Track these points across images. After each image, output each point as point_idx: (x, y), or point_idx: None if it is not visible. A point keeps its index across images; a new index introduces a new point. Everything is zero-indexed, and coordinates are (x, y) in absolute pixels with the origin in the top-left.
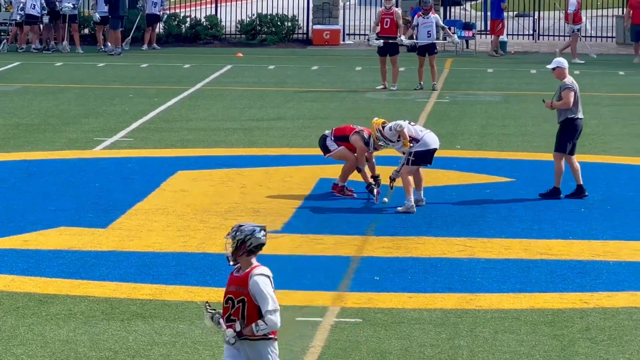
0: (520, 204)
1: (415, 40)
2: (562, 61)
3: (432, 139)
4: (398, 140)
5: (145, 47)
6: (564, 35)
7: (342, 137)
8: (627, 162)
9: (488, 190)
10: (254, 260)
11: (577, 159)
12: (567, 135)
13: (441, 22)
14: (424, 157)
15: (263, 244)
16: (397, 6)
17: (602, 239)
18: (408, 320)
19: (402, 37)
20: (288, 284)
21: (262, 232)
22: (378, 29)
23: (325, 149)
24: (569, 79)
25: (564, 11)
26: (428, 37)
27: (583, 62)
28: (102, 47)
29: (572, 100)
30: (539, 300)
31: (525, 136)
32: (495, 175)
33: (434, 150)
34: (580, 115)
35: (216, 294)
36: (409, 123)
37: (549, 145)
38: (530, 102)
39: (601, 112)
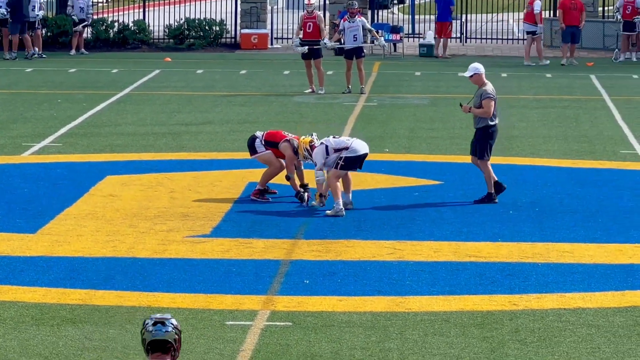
0: (449, 206)
1: (338, 44)
2: (478, 67)
3: (361, 145)
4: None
5: (73, 52)
6: (491, 38)
7: (271, 143)
8: (555, 164)
9: (417, 193)
10: None
11: (505, 161)
12: (486, 142)
13: (368, 25)
14: (354, 163)
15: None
16: (324, 10)
17: (531, 241)
18: (338, 324)
19: (326, 41)
20: (218, 288)
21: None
22: (301, 33)
23: (253, 150)
24: (489, 87)
25: (524, 12)
26: (354, 40)
27: (548, 62)
28: (29, 52)
29: (492, 110)
30: (468, 303)
31: (453, 139)
32: (424, 178)
33: (365, 155)
34: (497, 121)
35: (146, 298)
36: (333, 137)
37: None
38: (457, 105)
39: (528, 115)
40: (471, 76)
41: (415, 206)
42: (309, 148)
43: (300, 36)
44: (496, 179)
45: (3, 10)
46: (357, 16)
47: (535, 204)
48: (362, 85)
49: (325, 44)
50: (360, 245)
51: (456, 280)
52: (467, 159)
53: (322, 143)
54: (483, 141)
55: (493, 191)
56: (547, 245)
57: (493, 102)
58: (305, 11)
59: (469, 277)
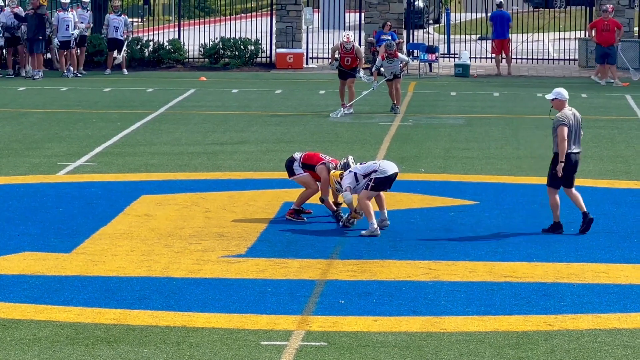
0: (484, 226)
1: (372, 79)
2: (561, 92)
3: (389, 166)
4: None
5: (108, 71)
6: (528, 58)
7: (309, 165)
8: (591, 185)
9: (452, 213)
10: None
11: (540, 181)
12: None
13: (406, 58)
14: (384, 184)
15: None
16: (359, 29)
17: (566, 262)
18: (373, 344)
19: (362, 74)
20: (252, 307)
21: None
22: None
23: (291, 172)
24: (562, 112)
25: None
26: (390, 74)
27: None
28: (65, 72)
29: (564, 134)
30: (503, 323)
31: (488, 159)
32: (459, 198)
33: (394, 175)
34: (574, 149)
35: (181, 318)
36: (360, 164)
37: (512, 168)
38: (493, 125)
39: None
40: (552, 99)
41: (451, 226)
42: (339, 180)
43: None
44: (559, 219)
45: (57, 40)
46: (394, 57)
47: (571, 224)
48: (397, 105)
49: (360, 77)
50: (395, 265)
51: (491, 300)
52: (503, 179)
53: (350, 171)
54: (553, 168)
55: (559, 220)
56: (582, 265)
57: (566, 128)
58: (342, 46)
59: (504, 298)
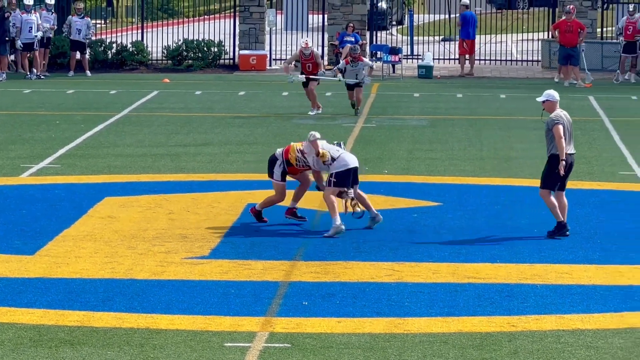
0: (447, 228)
1: (333, 75)
2: (553, 94)
3: (349, 158)
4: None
5: (71, 73)
6: (491, 60)
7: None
8: None
9: (415, 214)
10: None
11: (503, 182)
12: (553, 171)
13: (370, 63)
14: (345, 178)
15: None
16: (322, 31)
17: (530, 262)
18: (337, 345)
19: (324, 70)
20: (216, 309)
21: None
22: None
23: (270, 172)
24: (554, 113)
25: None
26: (356, 78)
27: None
28: (28, 73)
29: (561, 132)
30: (467, 324)
31: (452, 160)
32: (423, 200)
33: (355, 169)
34: (569, 150)
35: (145, 320)
36: (326, 142)
37: (476, 170)
38: (456, 127)
39: (527, 136)
40: (544, 102)
41: (414, 227)
42: (301, 148)
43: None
44: (562, 219)
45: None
46: (359, 60)
47: (534, 225)
48: (357, 108)
49: (323, 72)
50: (358, 266)
51: (455, 301)
52: (466, 180)
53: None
54: (550, 169)
55: (563, 220)
56: (545, 266)
57: (561, 127)
58: (301, 53)
59: (467, 299)
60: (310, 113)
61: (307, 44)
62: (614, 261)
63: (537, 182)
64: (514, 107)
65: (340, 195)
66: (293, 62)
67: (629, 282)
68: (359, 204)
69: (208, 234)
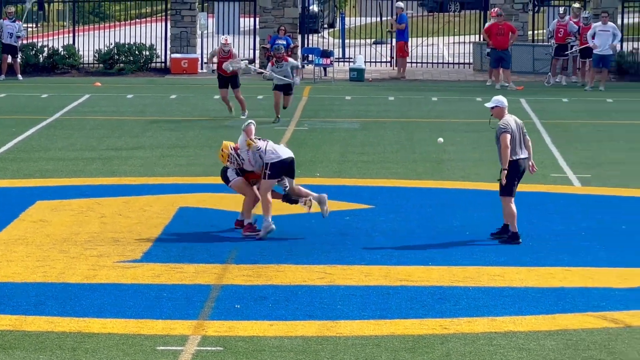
0: (379, 230)
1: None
2: (502, 100)
3: (284, 150)
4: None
5: (2, 77)
6: (423, 62)
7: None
8: (485, 188)
9: (347, 217)
10: None
11: (435, 185)
12: (510, 177)
13: (296, 63)
14: (280, 169)
15: None
16: (254, 34)
17: (462, 265)
18: (269, 348)
19: (240, 62)
20: (148, 313)
21: None
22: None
23: (226, 179)
24: (503, 119)
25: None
26: (285, 77)
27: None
28: None
29: (507, 142)
30: (399, 327)
31: (383, 163)
32: (355, 202)
33: (291, 160)
34: (520, 155)
35: (77, 324)
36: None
37: (407, 172)
38: (388, 129)
39: (459, 139)
40: (492, 108)
41: (346, 230)
42: (234, 145)
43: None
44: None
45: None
46: (284, 60)
47: (466, 227)
48: (278, 117)
49: (228, 66)
50: (291, 269)
51: (387, 304)
52: (398, 182)
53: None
54: (507, 176)
55: (517, 230)
56: (478, 268)
57: (509, 135)
58: (220, 50)
59: (400, 301)
60: (242, 117)
61: (226, 40)
62: (545, 263)
63: (468, 185)
64: (446, 110)
65: (289, 199)
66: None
67: (560, 284)
68: (312, 202)
69: (140, 237)
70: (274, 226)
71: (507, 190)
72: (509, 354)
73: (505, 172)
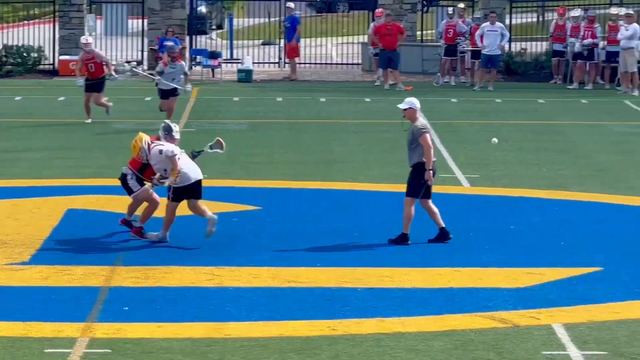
0: (268, 232)
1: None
2: (415, 102)
3: (192, 171)
4: (165, 170)
5: None
6: (311, 63)
7: (140, 170)
8: (374, 189)
9: (235, 219)
10: None
11: (324, 186)
12: (420, 179)
13: (186, 69)
14: (186, 193)
15: None
16: (142, 36)
17: (350, 266)
18: (157, 350)
19: (112, 74)
20: (36, 315)
21: None
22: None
23: (128, 189)
24: (420, 122)
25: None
26: (172, 80)
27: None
28: None
29: (430, 143)
30: (287, 328)
31: (272, 164)
32: (243, 204)
33: (198, 182)
34: (433, 158)
35: None
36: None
37: (296, 174)
38: (276, 130)
39: (347, 139)
40: (406, 109)
41: (235, 232)
42: (150, 143)
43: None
44: (443, 225)
45: None
46: (177, 60)
47: (355, 228)
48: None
49: (115, 78)
50: (179, 271)
51: (275, 305)
52: (286, 184)
53: (158, 145)
54: (416, 178)
55: (407, 232)
56: (366, 270)
57: (429, 135)
58: (83, 52)
59: (288, 303)
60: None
61: (87, 40)
62: (434, 264)
63: (357, 186)
64: (334, 111)
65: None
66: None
67: (448, 285)
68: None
69: (28, 239)
70: (168, 239)
71: (416, 192)
72: (397, 355)
73: (432, 172)
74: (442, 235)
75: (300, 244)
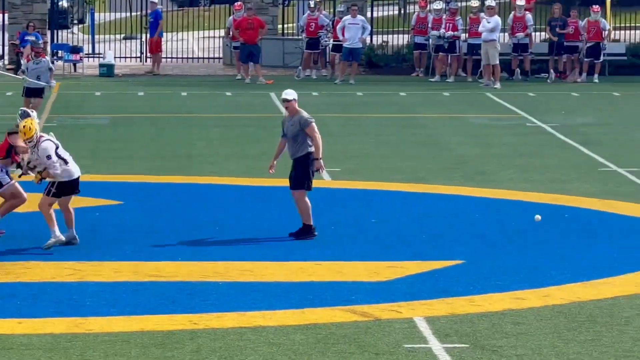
0: (129, 226)
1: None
2: (295, 94)
3: (74, 168)
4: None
5: None
6: (173, 57)
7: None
8: (236, 183)
9: (97, 213)
10: None
11: (184, 180)
12: (307, 170)
13: (51, 66)
14: (67, 188)
15: None
16: (2, 30)
17: (212, 260)
18: (17, 346)
19: None
20: None
21: None
22: None
23: None
24: (305, 113)
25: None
26: (37, 79)
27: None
28: None
29: (318, 132)
30: (149, 323)
31: (133, 159)
32: (104, 199)
33: (78, 177)
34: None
35: None
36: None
37: (158, 168)
38: (138, 125)
39: (209, 133)
40: (290, 101)
41: (96, 226)
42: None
43: None
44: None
45: None
46: (41, 57)
47: (216, 223)
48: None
49: None
50: (39, 266)
51: (136, 300)
52: (147, 178)
53: (49, 140)
54: (304, 169)
55: (312, 223)
56: (228, 264)
57: (315, 124)
58: None
59: (149, 297)
60: None
61: None
62: (295, 258)
63: (218, 180)
64: (196, 105)
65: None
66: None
67: (310, 279)
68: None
69: None
70: (63, 237)
71: (306, 184)
72: (258, 349)
73: (321, 161)
74: (307, 231)
75: (162, 239)
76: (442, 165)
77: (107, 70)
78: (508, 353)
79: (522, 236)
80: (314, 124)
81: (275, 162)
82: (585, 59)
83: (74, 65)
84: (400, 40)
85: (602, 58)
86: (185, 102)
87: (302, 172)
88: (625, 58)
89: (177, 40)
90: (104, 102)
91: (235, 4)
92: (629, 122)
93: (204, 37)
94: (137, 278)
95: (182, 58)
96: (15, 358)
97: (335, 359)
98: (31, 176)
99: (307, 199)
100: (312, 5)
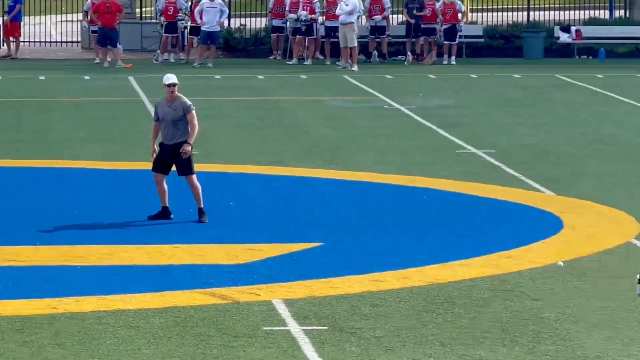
0: None
1: None
2: (175, 78)
3: None
4: None
5: None
6: (31, 41)
7: None
8: (94, 167)
9: None
10: None
11: (41, 164)
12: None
13: None
14: None
15: None
16: None
17: (71, 244)
18: None
19: None
20: None
21: None
22: None
23: None
24: (185, 98)
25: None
26: None
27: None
28: None
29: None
30: (7, 308)
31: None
32: None
33: None
34: None
35: None
36: None
37: (14, 152)
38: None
39: (67, 118)
40: (175, 84)
41: None
42: None
43: None
44: (167, 204)
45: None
46: None
47: (75, 206)
48: None
49: None
50: None
51: None
52: (3, 162)
53: None
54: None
55: (167, 204)
56: (87, 247)
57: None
58: None
59: (6, 282)
60: None
61: None
62: (154, 241)
63: (76, 164)
64: (53, 89)
65: None
66: None
67: (169, 262)
68: None
69: None
70: None
71: (192, 167)
72: (118, 332)
73: (190, 147)
74: (164, 214)
75: (20, 223)
76: (300, 148)
77: None
78: (367, 335)
79: (380, 219)
80: (194, 111)
81: (156, 147)
82: (444, 42)
83: None
84: (258, 23)
85: (457, 40)
86: (43, 86)
87: (189, 157)
88: (482, 40)
89: (35, 24)
90: None
91: None
92: (486, 104)
93: (62, 21)
94: None
95: (41, 42)
96: None
97: (194, 342)
98: None
99: (196, 182)
100: None
